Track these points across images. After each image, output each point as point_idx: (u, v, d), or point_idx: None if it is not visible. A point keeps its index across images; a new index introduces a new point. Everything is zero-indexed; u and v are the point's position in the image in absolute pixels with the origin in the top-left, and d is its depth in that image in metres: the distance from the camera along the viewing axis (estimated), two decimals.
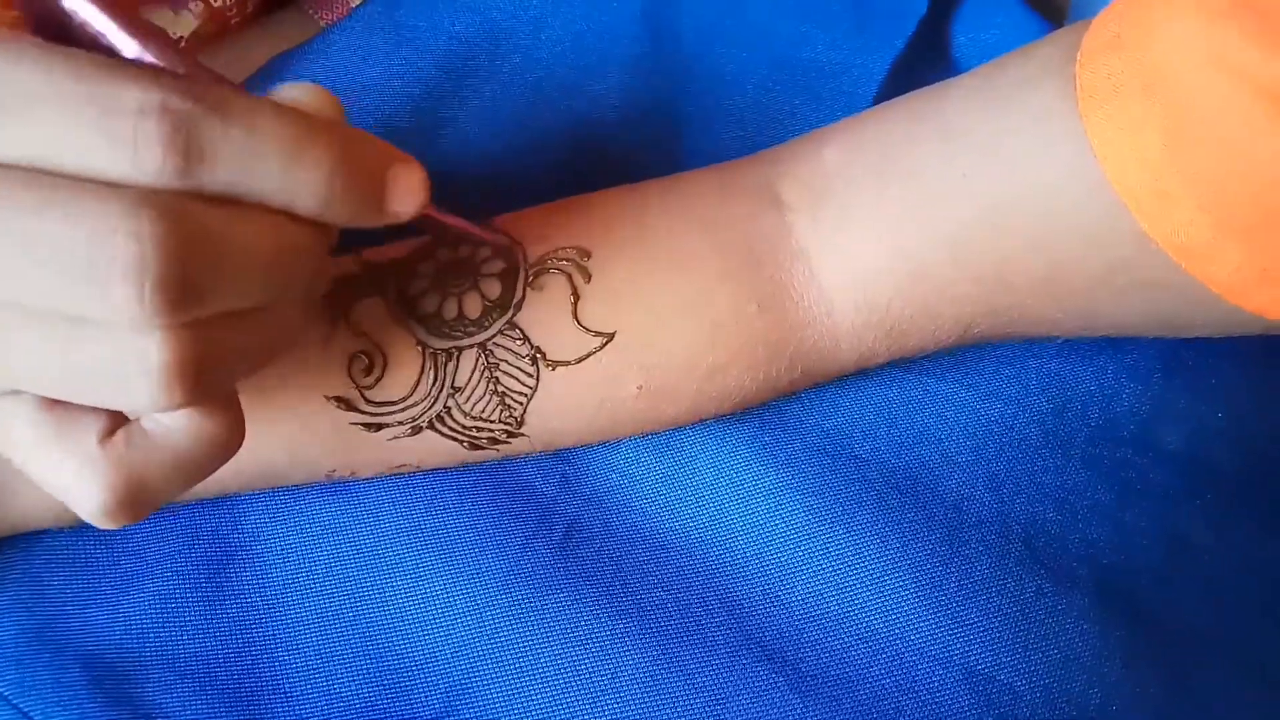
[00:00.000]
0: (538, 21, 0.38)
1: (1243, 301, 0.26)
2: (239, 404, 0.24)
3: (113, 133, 0.19)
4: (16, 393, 0.22)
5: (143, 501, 0.22)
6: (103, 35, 0.22)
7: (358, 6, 0.38)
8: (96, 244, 0.19)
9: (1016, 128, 0.28)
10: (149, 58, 0.22)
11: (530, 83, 0.38)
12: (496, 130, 0.37)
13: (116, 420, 0.22)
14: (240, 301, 0.22)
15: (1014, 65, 0.29)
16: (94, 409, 0.22)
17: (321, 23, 0.39)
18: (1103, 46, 0.26)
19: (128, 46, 0.22)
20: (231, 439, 0.23)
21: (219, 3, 0.36)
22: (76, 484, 0.22)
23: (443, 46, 0.38)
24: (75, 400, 0.21)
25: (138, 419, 0.23)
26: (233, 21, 0.37)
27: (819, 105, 0.38)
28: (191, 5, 0.36)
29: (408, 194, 0.24)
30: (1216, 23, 0.23)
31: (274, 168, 0.21)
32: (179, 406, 0.21)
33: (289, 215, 0.22)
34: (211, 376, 0.21)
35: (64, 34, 0.22)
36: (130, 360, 0.20)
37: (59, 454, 0.22)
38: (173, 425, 0.22)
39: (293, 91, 0.23)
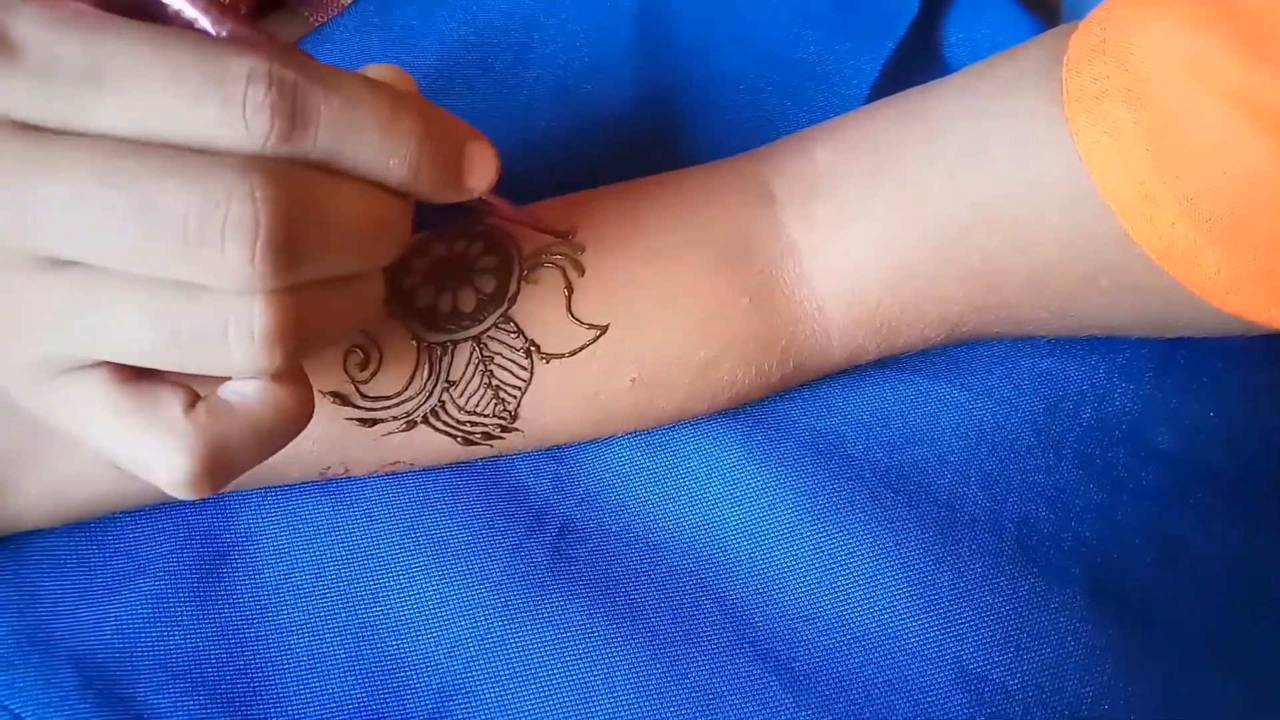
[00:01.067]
0: (530, 21, 0.38)
1: (1224, 303, 0.26)
2: (308, 379, 0.24)
3: (223, 100, 0.20)
4: (87, 370, 0.22)
5: (225, 470, 0.23)
6: (182, 12, 0.23)
7: (350, 6, 0.38)
8: (209, 206, 0.20)
9: (1003, 129, 0.28)
10: (227, 35, 0.23)
11: (523, 82, 0.38)
12: (489, 130, 0.37)
13: (194, 393, 0.23)
14: (337, 269, 0.22)
15: (1002, 67, 0.30)
16: (172, 383, 0.23)
17: (314, 23, 0.38)
18: (1089, 51, 0.26)
19: (211, 25, 0.23)
20: (304, 410, 0.24)
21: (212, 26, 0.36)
22: (161, 453, 0.22)
23: (436, 46, 0.38)
24: (168, 366, 0.22)
25: (213, 391, 0.23)
26: None
27: (810, 106, 0.38)
28: None
29: (483, 170, 0.25)
30: (1197, 31, 0.24)
31: (371, 137, 0.22)
32: (276, 370, 0.22)
33: (380, 186, 0.23)
34: (307, 342, 0.22)
35: (137, 14, 0.22)
36: (233, 323, 0.21)
37: (140, 425, 0.22)
38: (252, 395, 0.23)
39: (375, 71, 0.24)
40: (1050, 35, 0.29)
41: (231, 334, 0.21)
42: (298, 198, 0.21)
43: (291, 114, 0.21)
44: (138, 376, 0.23)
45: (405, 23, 0.38)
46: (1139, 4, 0.26)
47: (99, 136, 0.20)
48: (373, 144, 0.22)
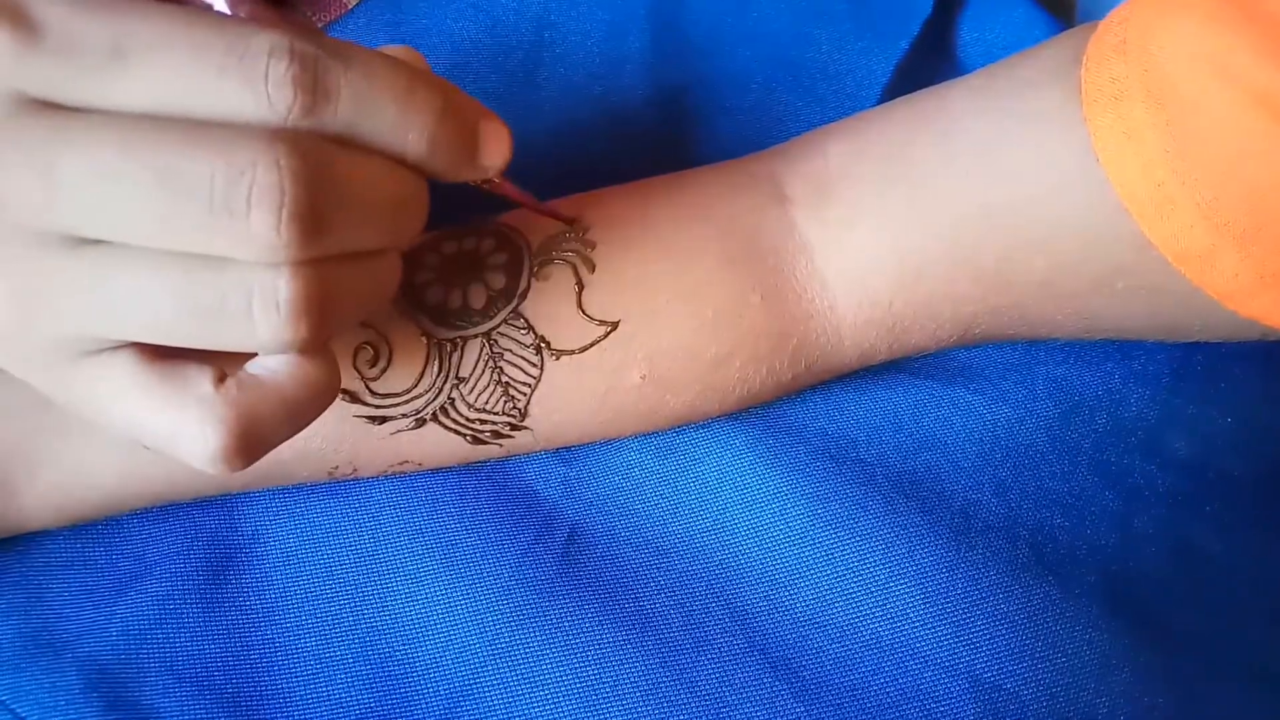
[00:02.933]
0: (541, 20, 0.38)
1: (1240, 307, 0.26)
2: (333, 355, 0.24)
3: (246, 74, 0.20)
4: (112, 352, 0.22)
5: (257, 443, 0.23)
6: None
7: (356, 5, 0.38)
8: (235, 174, 0.20)
9: (1019, 130, 0.28)
10: (244, 16, 0.23)
11: (534, 82, 0.38)
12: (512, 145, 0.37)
13: (221, 370, 0.23)
14: (359, 242, 0.23)
15: (1019, 67, 0.29)
16: (200, 361, 0.23)
17: (318, 24, 0.38)
18: (1108, 51, 0.26)
19: (227, 6, 0.23)
20: (331, 385, 0.24)
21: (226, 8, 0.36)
22: (191, 429, 0.22)
23: (446, 45, 0.37)
24: (193, 343, 0.22)
25: (240, 367, 0.23)
26: None
27: (822, 107, 0.38)
28: None
29: (497, 148, 0.25)
30: (1220, 31, 0.24)
31: (389, 111, 0.22)
32: (302, 343, 0.22)
33: (398, 162, 0.23)
34: (331, 316, 0.22)
35: None
36: (258, 295, 0.21)
37: (170, 401, 0.22)
38: (279, 370, 0.23)
39: (391, 51, 0.24)
40: (1068, 35, 0.29)
41: (257, 306, 0.21)
42: (321, 168, 0.21)
43: (313, 87, 0.21)
44: (164, 355, 0.23)
45: (414, 22, 0.38)
46: (1161, 5, 0.25)
47: (123, 112, 0.21)
48: (391, 118, 0.22)
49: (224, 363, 0.23)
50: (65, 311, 0.22)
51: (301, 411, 0.24)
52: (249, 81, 0.20)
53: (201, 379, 0.23)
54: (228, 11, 0.23)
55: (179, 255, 0.21)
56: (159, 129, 0.20)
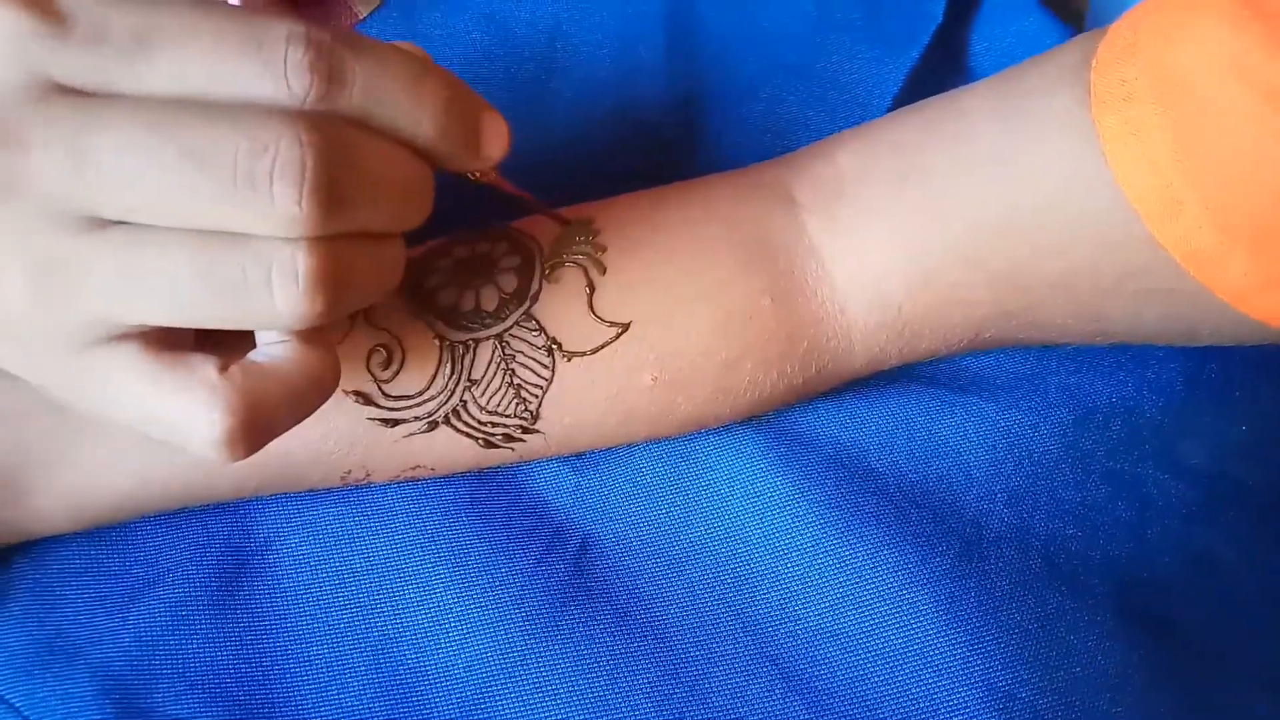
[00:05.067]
0: (553, 31, 0.38)
1: (1249, 309, 0.26)
2: (333, 345, 0.25)
3: (266, 58, 0.21)
4: (118, 342, 0.23)
5: (263, 428, 0.23)
6: None
7: (368, 15, 0.38)
8: (259, 150, 0.21)
9: (1031, 133, 0.28)
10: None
11: (546, 92, 0.38)
12: (512, 139, 0.37)
13: (226, 359, 0.23)
14: (371, 222, 0.23)
15: (1030, 72, 0.29)
16: (203, 352, 0.23)
17: None
18: (1119, 54, 0.26)
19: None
20: (332, 373, 0.25)
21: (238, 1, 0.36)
22: (197, 414, 0.23)
23: (458, 55, 0.38)
24: (210, 322, 0.22)
25: (247, 356, 0.24)
26: None
27: (833, 115, 0.38)
28: None
29: (497, 138, 0.26)
30: (1233, 30, 0.24)
31: (401, 98, 0.23)
32: (318, 316, 0.22)
33: (408, 147, 0.24)
34: (344, 293, 0.23)
35: None
36: (277, 269, 0.22)
37: (176, 387, 0.23)
38: (282, 357, 0.24)
39: (397, 45, 0.24)
40: (1079, 40, 0.29)
41: (276, 280, 0.22)
42: (339, 147, 0.22)
43: (329, 73, 0.22)
44: (170, 345, 0.23)
45: (427, 32, 0.38)
46: (1174, 7, 0.25)
47: (148, 97, 0.21)
48: (403, 104, 0.23)
49: (226, 354, 0.24)
50: (87, 292, 0.22)
51: (304, 398, 0.24)
52: (269, 67, 0.21)
53: (206, 366, 0.23)
54: (239, 4, 0.23)
55: (200, 233, 0.22)
56: (184, 110, 0.21)
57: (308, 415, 0.25)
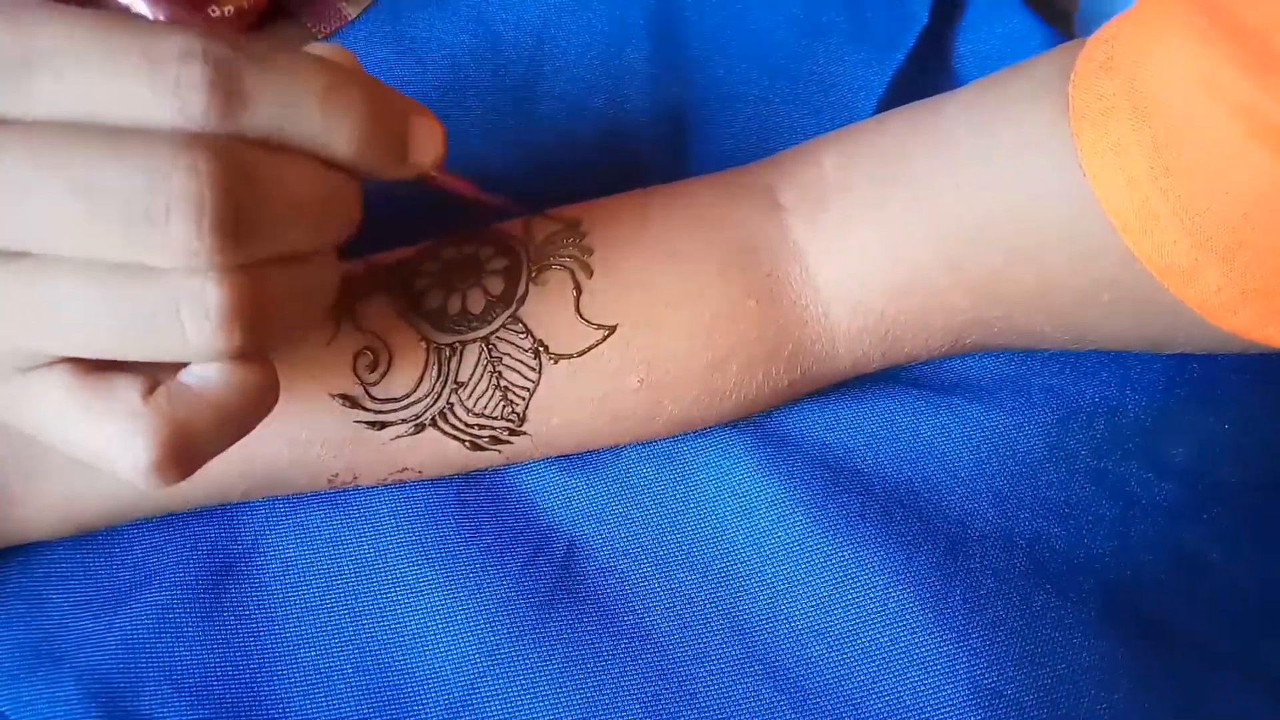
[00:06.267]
0: (541, 33, 0.38)
1: (1222, 322, 0.26)
2: (271, 360, 0.24)
3: (157, 78, 0.20)
4: (47, 367, 0.22)
5: (190, 456, 0.22)
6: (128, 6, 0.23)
7: (357, 17, 0.38)
8: (153, 184, 0.20)
9: (1010, 144, 0.28)
10: (164, 19, 0.23)
11: (534, 94, 0.38)
12: (499, 142, 0.37)
13: (154, 380, 0.23)
14: (287, 245, 0.22)
15: (1010, 81, 0.30)
16: (131, 372, 0.22)
17: (316, 33, 0.38)
18: (1095, 68, 0.27)
19: (147, 10, 0.23)
20: (269, 392, 0.23)
21: (216, 14, 0.36)
22: (121, 442, 0.22)
23: (445, 58, 0.38)
24: (125, 356, 0.21)
25: (174, 377, 0.23)
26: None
27: (818, 118, 0.38)
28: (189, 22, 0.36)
29: (428, 144, 0.24)
30: (1206, 47, 0.24)
31: (312, 111, 0.22)
32: (234, 351, 0.21)
33: (324, 162, 0.22)
34: (265, 322, 0.22)
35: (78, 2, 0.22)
36: (186, 303, 0.21)
37: (99, 417, 0.22)
38: (213, 378, 0.23)
39: (318, 49, 0.24)
40: (1058, 51, 0.29)
41: (185, 315, 0.21)
42: (242, 172, 0.20)
43: (228, 90, 0.20)
44: (97, 369, 0.22)
45: (415, 34, 0.38)
46: (1147, 21, 0.26)
47: (36, 123, 0.20)
48: (314, 119, 0.22)
49: (159, 372, 0.23)
50: (4, 322, 0.21)
51: (237, 419, 0.23)
52: (162, 86, 0.20)
53: (130, 391, 0.22)
54: (148, 15, 0.23)
55: (106, 265, 0.21)
56: (74, 138, 0.20)
57: (243, 436, 0.23)
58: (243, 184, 0.20)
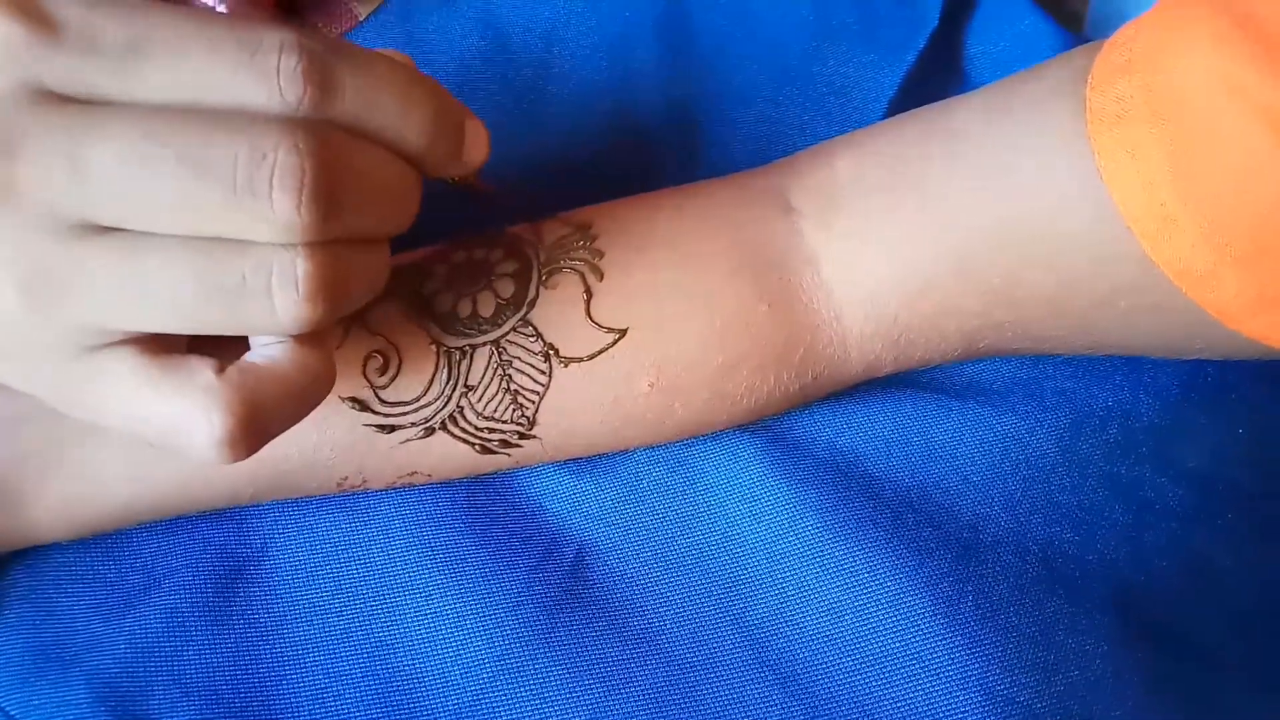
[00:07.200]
0: (550, 35, 0.38)
1: (1241, 327, 0.26)
2: (329, 343, 0.25)
3: (259, 68, 0.21)
4: (114, 346, 0.23)
5: (260, 430, 0.23)
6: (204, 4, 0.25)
7: (367, 18, 0.38)
8: (258, 158, 0.21)
9: (1026, 147, 0.28)
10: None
11: (543, 96, 0.38)
12: (508, 142, 0.37)
13: (222, 361, 0.24)
14: (364, 227, 0.24)
15: (1026, 84, 0.29)
16: (200, 354, 0.23)
17: (327, 34, 0.38)
18: (1114, 71, 0.26)
19: (229, 11, 0.25)
20: (328, 373, 0.25)
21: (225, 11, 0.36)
22: (197, 415, 0.23)
23: (455, 59, 0.38)
24: (212, 326, 0.23)
25: (243, 357, 0.24)
26: None
27: (829, 120, 0.38)
28: None
29: (478, 145, 0.27)
30: (1227, 50, 0.24)
31: (393, 104, 0.23)
32: (317, 321, 0.23)
33: (397, 153, 0.24)
34: (340, 298, 0.23)
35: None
36: (277, 274, 0.22)
37: (173, 393, 0.23)
38: (279, 357, 0.24)
39: (384, 51, 0.25)
40: (1075, 53, 0.29)
41: (276, 285, 0.22)
42: (334, 153, 0.22)
43: (321, 81, 0.22)
44: (165, 349, 0.23)
45: (424, 36, 0.38)
46: (1168, 23, 0.25)
47: (142, 104, 0.21)
48: (392, 111, 0.24)
49: (220, 356, 0.24)
50: (82, 299, 0.22)
51: (302, 398, 0.24)
52: (262, 75, 0.21)
53: (203, 368, 0.23)
54: (226, 12, 0.24)
55: (198, 240, 0.22)
56: (182, 117, 0.21)
57: (304, 415, 0.25)
58: (335, 165, 0.22)
